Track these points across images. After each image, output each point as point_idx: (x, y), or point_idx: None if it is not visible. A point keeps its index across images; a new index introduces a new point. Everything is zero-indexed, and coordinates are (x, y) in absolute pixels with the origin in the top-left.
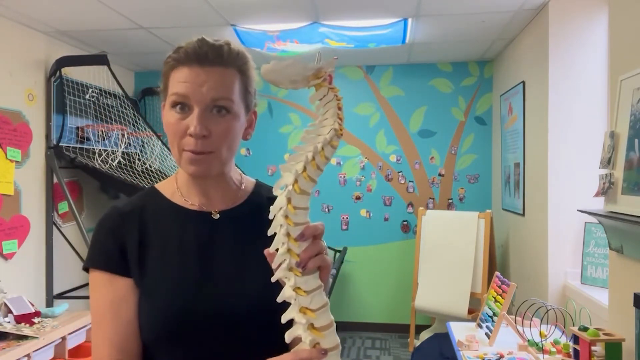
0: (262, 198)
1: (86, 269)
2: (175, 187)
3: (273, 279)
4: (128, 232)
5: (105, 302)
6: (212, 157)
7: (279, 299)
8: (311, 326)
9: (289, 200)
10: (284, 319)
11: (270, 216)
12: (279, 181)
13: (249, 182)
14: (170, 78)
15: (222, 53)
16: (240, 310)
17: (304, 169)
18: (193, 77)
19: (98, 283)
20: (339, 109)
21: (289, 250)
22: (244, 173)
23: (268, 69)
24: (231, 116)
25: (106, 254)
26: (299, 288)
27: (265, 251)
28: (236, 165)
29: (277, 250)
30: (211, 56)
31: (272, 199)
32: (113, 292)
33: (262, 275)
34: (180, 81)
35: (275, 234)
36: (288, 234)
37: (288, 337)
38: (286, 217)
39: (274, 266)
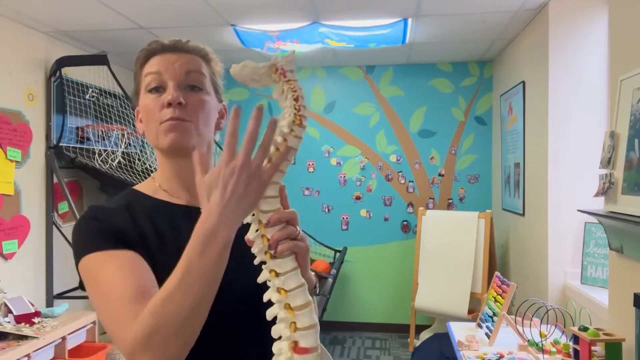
0: None
1: (77, 265)
2: (156, 186)
3: (255, 262)
4: (123, 228)
5: (117, 268)
6: (190, 125)
7: (259, 280)
8: (287, 306)
9: None
10: (265, 297)
11: None
12: None
13: None
14: (142, 73)
15: (189, 44)
16: (242, 301)
17: (269, 160)
18: (165, 58)
19: (99, 262)
20: (295, 100)
21: (262, 236)
22: None
23: (232, 72)
24: (204, 92)
25: (100, 235)
26: (272, 270)
27: (245, 238)
28: None
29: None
30: (180, 46)
31: None
32: (121, 259)
33: (256, 265)
34: (153, 64)
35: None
36: (259, 221)
37: (269, 315)
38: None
39: (253, 250)
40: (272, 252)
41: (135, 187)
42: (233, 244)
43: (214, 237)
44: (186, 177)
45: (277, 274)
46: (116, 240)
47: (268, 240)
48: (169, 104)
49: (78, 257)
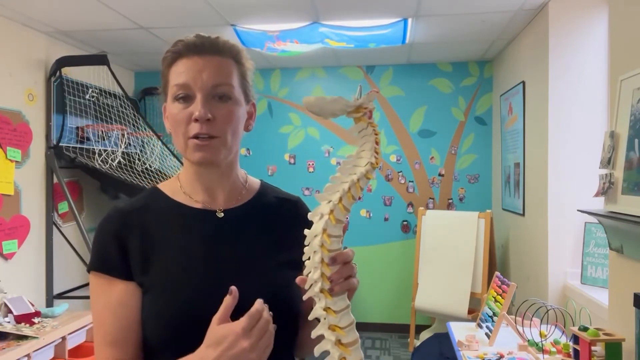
0: (268, 198)
1: (89, 271)
2: (177, 186)
3: (304, 298)
4: (130, 233)
5: (104, 306)
6: (218, 142)
7: (310, 318)
8: (338, 342)
9: (324, 230)
10: (314, 334)
11: (306, 242)
12: (316, 209)
13: (254, 182)
14: (169, 74)
15: (218, 43)
16: (246, 309)
17: (340, 200)
18: (192, 65)
19: (97, 286)
20: (377, 143)
21: (322, 275)
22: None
23: (312, 102)
24: (232, 102)
25: (106, 257)
26: (329, 308)
27: (299, 279)
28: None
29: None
30: (208, 46)
31: (281, 199)
32: (111, 296)
33: (267, 273)
34: (180, 72)
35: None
36: (322, 260)
37: (317, 351)
38: (322, 245)
39: (307, 287)
40: (330, 292)
41: (159, 186)
42: (231, 257)
43: None
44: (207, 181)
45: (335, 313)
46: (118, 265)
47: (329, 280)
48: (197, 120)
49: (88, 266)
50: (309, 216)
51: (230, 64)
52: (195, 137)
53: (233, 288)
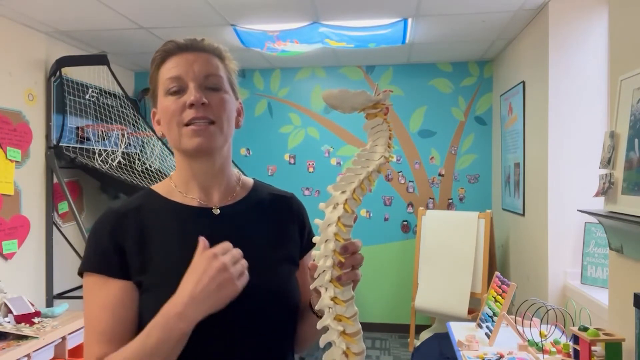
0: (263, 194)
1: (81, 274)
2: (172, 186)
3: (311, 287)
4: (126, 233)
5: (101, 305)
6: (214, 128)
7: (317, 308)
8: (343, 332)
9: (339, 219)
10: (320, 325)
11: (320, 231)
12: (330, 199)
13: (247, 180)
14: (159, 74)
15: (204, 44)
16: (246, 305)
17: (354, 191)
18: (183, 60)
19: (93, 286)
20: (390, 138)
21: (334, 265)
22: (243, 173)
23: (334, 94)
24: (224, 92)
25: (102, 257)
26: (336, 298)
27: (311, 264)
28: (235, 165)
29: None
30: (196, 45)
31: (275, 195)
32: (108, 294)
33: (265, 268)
34: (171, 67)
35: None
36: (334, 250)
37: (322, 342)
38: (336, 233)
39: (316, 276)
40: (339, 280)
41: (153, 187)
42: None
43: (174, 327)
44: (202, 179)
45: (342, 302)
46: (115, 264)
47: (340, 269)
48: (192, 105)
49: (81, 267)
50: (321, 207)
51: (217, 61)
52: (191, 123)
53: (201, 238)
